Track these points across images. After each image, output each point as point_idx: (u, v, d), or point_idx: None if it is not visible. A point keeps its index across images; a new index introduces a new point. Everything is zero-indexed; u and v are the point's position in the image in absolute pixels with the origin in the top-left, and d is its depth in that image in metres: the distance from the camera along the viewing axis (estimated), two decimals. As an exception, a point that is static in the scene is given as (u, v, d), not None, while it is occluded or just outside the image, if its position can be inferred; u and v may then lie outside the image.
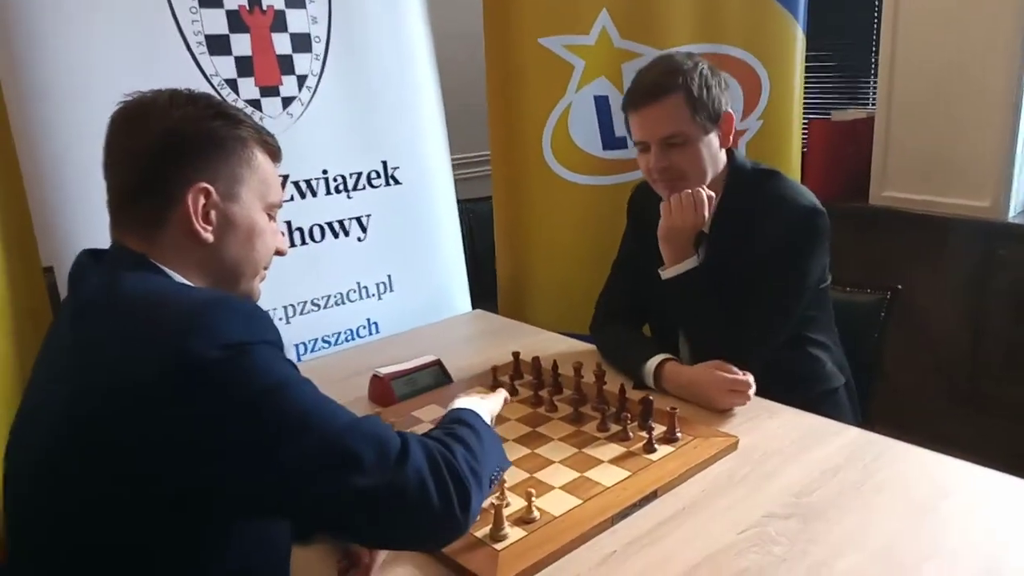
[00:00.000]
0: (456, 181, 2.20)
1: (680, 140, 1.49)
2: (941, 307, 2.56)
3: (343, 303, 1.98)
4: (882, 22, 2.65)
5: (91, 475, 0.78)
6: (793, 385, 1.51)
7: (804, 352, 1.59)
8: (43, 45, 1.50)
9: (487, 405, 1.09)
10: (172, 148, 0.90)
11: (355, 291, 2.00)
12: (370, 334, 2.02)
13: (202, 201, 0.91)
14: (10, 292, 1.45)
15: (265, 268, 1.01)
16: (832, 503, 1.14)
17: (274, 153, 1.01)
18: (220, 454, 0.77)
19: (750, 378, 1.42)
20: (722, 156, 1.57)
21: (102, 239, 0.96)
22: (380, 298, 2.04)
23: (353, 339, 2.00)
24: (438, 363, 1.61)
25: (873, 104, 2.83)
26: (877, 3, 2.73)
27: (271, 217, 1.01)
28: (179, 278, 0.92)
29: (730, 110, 1.54)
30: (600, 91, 2.16)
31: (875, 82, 2.76)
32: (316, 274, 1.93)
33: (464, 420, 1.00)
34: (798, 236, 1.50)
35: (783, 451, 1.29)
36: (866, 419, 1.68)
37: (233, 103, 1.70)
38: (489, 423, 1.05)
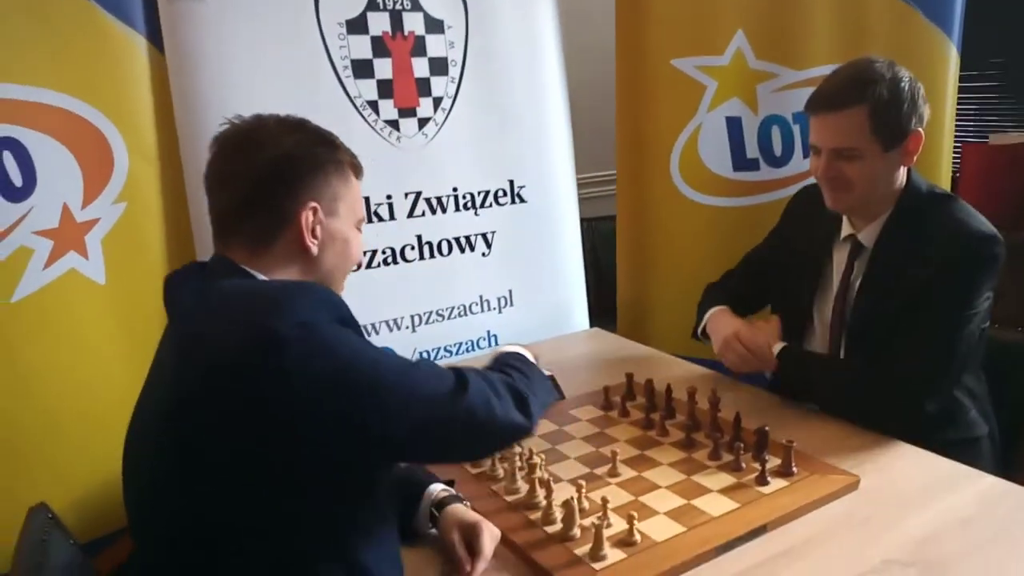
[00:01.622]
0: (580, 200, 2.23)
1: (854, 155, 1.42)
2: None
3: (466, 315, 2.05)
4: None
5: (200, 457, 0.86)
6: (931, 429, 1.40)
7: (949, 396, 1.45)
8: (207, 65, 1.66)
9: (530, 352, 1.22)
10: (286, 171, 1.00)
11: (477, 304, 2.07)
12: (489, 346, 2.08)
13: (311, 218, 1.00)
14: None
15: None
16: (960, 555, 1.07)
17: (360, 173, 1.11)
18: (309, 420, 0.84)
19: (765, 350, 1.52)
20: (900, 174, 1.47)
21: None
22: (501, 312, 2.10)
23: (473, 350, 2.06)
24: (551, 379, 1.63)
25: (1039, 127, 2.62)
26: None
27: (359, 230, 1.10)
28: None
29: (920, 130, 1.43)
30: (732, 112, 2.12)
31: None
32: (442, 286, 2.00)
33: (510, 358, 1.16)
34: (969, 264, 1.38)
35: (908, 495, 1.22)
36: (1011, 471, 1.54)
37: (374, 123, 1.83)
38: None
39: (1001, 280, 1.45)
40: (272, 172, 0.99)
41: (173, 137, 1.66)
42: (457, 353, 2.04)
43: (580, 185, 2.24)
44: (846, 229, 1.55)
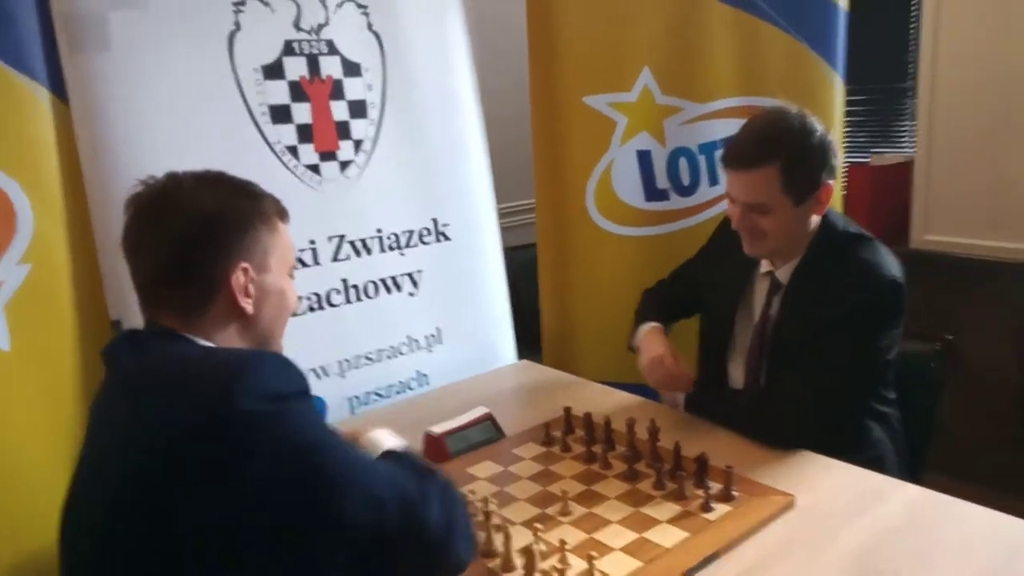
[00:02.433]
0: (500, 229, 2.25)
1: (766, 209, 1.47)
2: (991, 352, 2.53)
3: (395, 356, 2.03)
4: (919, 66, 2.67)
5: (146, 533, 0.83)
6: (845, 454, 1.46)
7: (856, 421, 1.55)
8: (115, 117, 1.58)
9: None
10: (209, 233, 0.96)
11: (407, 344, 2.05)
12: (420, 386, 2.07)
13: (242, 279, 0.97)
14: (80, 344, 1.54)
15: None
16: (898, 564, 1.14)
17: (286, 217, 1.07)
18: (262, 502, 0.82)
19: (685, 374, 1.60)
20: (814, 220, 1.53)
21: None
22: (430, 350, 2.09)
23: (404, 392, 2.04)
24: (490, 417, 1.64)
25: (911, 147, 2.84)
26: (912, 47, 2.75)
27: (292, 277, 1.08)
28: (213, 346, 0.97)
29: (830, 182, 1.49)
30: (642, 146, 2.20)
31: (913, 125, 2.77)
32: (370, 329, 1.98)
33: (409, 459, 1.07)
34: (875, 309, 1.46)
35: (841, 510, 1.29)
36: (919, 473, 1.66)
37: (294, 168, 1.80)
38: None
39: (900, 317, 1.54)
40: (194, 236, 0.95)
41: (82, 194, 1.58)
42: (388, 396, 2.02)
43: (499, 215, 2.27)
44: (765, 266, 1.64)
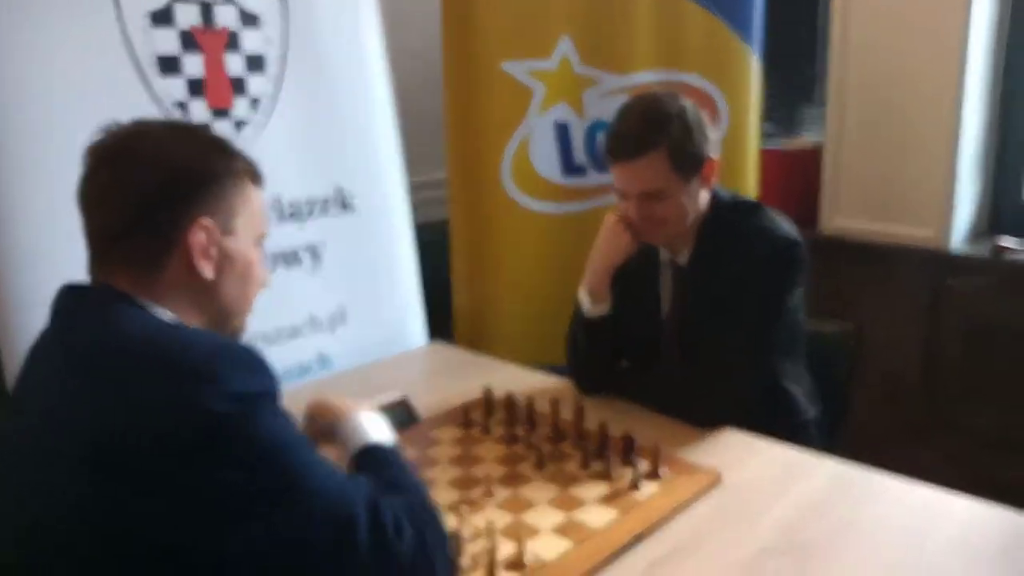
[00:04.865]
0: (411, 205, 2.14)
1: (662, 195, 1.46)
2: (892, 336, 2.59)
3: (295, 337, 1.88)
4: (830, 53, 2.71)
5: (90, 532, 0.76)
6: (763, 416, 1.48)
7: (778, 385, 1.57)
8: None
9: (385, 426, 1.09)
10: (172, 186, 0.87)
11: (308, 324, 1.91)
12: (322, 370, 1.93)
13: (202, 237, 0.88)
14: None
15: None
16: (826, 538, 1.13)
17: (260, 181, 0.97)
18: (222, 510, 0.76)
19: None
20: (704, 196, 1.53)
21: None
22: (333, 331, 1.95)
23: (304, 376, 1.90)
24: (404, 401, 1.53)
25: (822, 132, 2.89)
26: (824, 34, 2.80)
27: (260, 247, 0.98)
28: (169, 315, 0.88)
29: (713, 156, 1.50)
30: (561, 117, 2.13)
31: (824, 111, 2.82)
32: (268, 307, 1.80)
33: (390, 463, 1.01)
34: (776, 268, 1.48)
35: (767, 485, 1.28)
36: (833, 450, 1.67)
37: (183, 125, 1.63)
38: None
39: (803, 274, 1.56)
40: (155, 188, 0.86)
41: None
42: (286, 381, 1.86)
43: (411, 188, 2.15)
44: (664, 254, 1.61)
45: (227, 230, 0.91)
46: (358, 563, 0.81)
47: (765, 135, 2.91)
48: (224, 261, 0.91)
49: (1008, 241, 2.41)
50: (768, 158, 2.91)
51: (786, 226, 1.52)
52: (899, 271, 2.58)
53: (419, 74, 2.37)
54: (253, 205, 0.95)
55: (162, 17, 1.60)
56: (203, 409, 0.75)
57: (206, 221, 0.88)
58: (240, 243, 0.93)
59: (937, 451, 2.50)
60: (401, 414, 1.50)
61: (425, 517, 0.90)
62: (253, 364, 0.83)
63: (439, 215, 2.33)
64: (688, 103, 1.49)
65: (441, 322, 2.27)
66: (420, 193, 2.67)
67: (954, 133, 2.43)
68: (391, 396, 1.53)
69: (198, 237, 0.88)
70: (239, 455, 0.77)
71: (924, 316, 2.55)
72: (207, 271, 0.89)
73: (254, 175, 0.96)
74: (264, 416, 0.80)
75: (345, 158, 1.94)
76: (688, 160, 1.45)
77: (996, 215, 2.63)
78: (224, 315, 0.95)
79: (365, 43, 1.96)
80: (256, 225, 0.96)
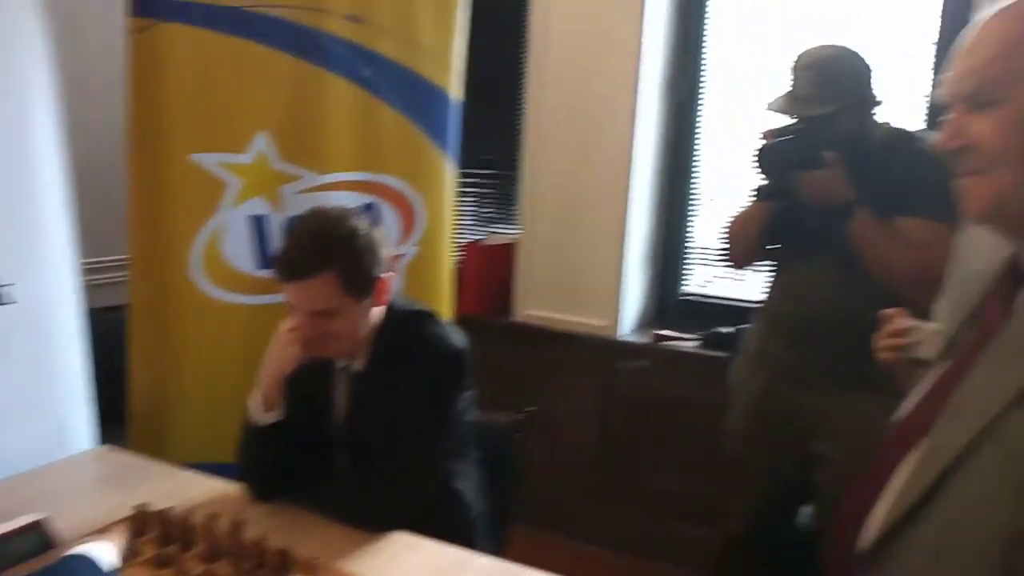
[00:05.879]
0: (86, 287, 1.95)
1: (333, 313, 1.48)
2: (571, 410, 2.92)
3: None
4: (524, 160, 3.00)
5: None
6: (441, 518, 1.55)
7: (447, 486, 1.63)
8: None
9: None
10: None
11: (-54, 431, 1.66)
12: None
13: None
14: None
15: None
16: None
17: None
18: None
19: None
20: (377, 310, 1.58)
21: None
22: (-21, 437, 1.72)
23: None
24: (38, 524, 1.38)
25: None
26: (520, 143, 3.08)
27: None
28: None
29: (384, 276, 1.53)
30: (256, 210, 2.11)
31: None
32: None
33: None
34: (442, 376, 1.56)
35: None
36: (503, 538, 1.79)
37: None
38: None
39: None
40: None
41: None
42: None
43: (85, 271, 1.97)
44: (339, 360, 1.64)
45: None
46: None
47: (483, 226, 3.13)
48: None
49: (665, 331, 2.81)
50: (472, 251, 3.13)
51: (454, 335, 1.61)
52: (579, 354, 2.91)
53: (101, 147, 2.22)
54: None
55: None
56: None
57: None
58: None
59: (612, 512, 2.82)
60: (33, 540, 1.36)
61: None
62: None
63: (121, 299, 2.15)
64: (362, 223, 1.52)
65: (118, 419, 2.09)
66: (101, 275, 2.47)
67: (623, 236, 2.81)
68: (24, 519, 1.38)
69: None
70: None
71: (598, 392, 2.88)
72: None
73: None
74: None
75: (5, 245, 1.74)
76: (359, 281, 1.49)
77: (661, 308, 3.05)
78: None
79: (31, 104, 1.78)
80: None
